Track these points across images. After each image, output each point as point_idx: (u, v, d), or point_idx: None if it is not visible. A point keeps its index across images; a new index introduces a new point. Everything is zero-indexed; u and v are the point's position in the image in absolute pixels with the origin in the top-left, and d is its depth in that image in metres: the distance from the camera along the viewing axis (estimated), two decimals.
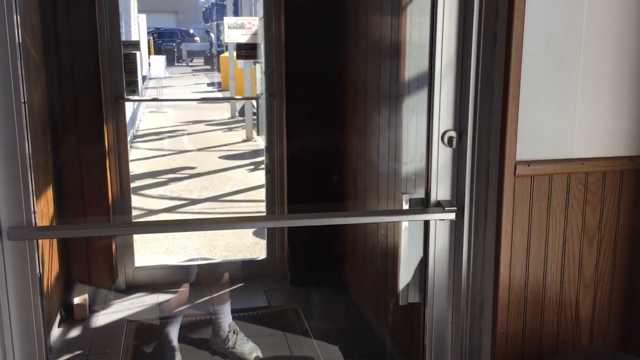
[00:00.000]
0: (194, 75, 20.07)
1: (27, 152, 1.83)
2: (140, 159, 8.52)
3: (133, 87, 4.35)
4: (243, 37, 5.23)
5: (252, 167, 8.22)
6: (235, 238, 5.25)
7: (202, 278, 4.33)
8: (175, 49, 22.37)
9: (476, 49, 1.99)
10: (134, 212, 4.99)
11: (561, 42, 1.96)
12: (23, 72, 1.83)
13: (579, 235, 2.08)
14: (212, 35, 22.03)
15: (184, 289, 4.11)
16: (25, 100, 1.85)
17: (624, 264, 2.14)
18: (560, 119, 2.00)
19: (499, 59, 1.95)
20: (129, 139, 5.90)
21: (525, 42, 1.92)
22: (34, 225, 1.87)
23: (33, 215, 1.87)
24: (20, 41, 1.82)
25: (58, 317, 3.67)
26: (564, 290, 2.11)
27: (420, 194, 2.18)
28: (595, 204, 2.07)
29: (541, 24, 1.93)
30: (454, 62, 2.03)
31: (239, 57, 5.78)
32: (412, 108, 2.88)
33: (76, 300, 3.79)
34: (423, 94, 2.20)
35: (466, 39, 2.01)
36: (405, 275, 2.26)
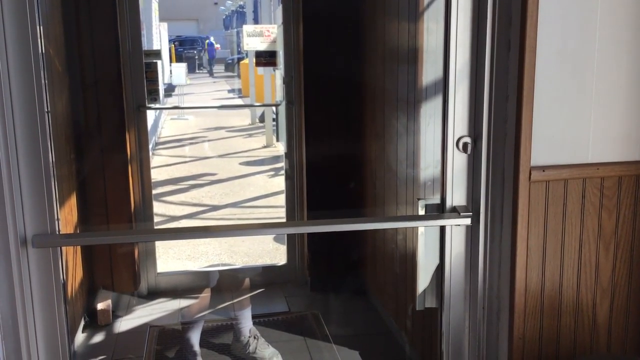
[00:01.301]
0: (214, 82, 20.22)
1: (50, 161, 1.88)
2: (162, 166, 8.62)
3: (154, 96, 4.41)
4: (262, 45, 5.28)
5: (272, 173, 8.26)
6: (255, 244, 5.29)
7: (223, 284, 4.37)
8: (196, 57, 22.54)
9: (490, 56, 2.01)
10: (156, 219, 5.05)
11: (575, 48, 1.97)
12: (46, 82, 1.88)
13: (595, 240, 2.08)
14: (207, 41, 22.06)
15: (206, 294, 4.15)
16: (49, 109, 1.89)
17: None
18: (575, 124, 2.01)
19: (513, 66, 1.97)
20: (150, 146, 5.97)
21: (538, 48, 1.93)
22: (57, 233, 1.92)
23: (57, 223, 1.92)
24: (44, 51, 1.87)
25: (82, 323, 3.73)
26: (580, 294, 2.11)
27: (436, 199, 2.20)
28: (611, 209, 2.07)
29: (554, 30, 1.94)
30: (468, 68, 2.05)
31: (257, 64, 5.84)
32: (430, 114, 2.89)
33: (100, 305, 3.85)
34: (440, 100, 2.21)
35: (480, 46, 2.03)
36: (423, 280, 2.27)
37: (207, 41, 21.83)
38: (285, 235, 4.65)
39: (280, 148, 9.08)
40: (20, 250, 1.86)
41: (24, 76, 1.82)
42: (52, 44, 3.25)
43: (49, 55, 3.14)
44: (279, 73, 5.39)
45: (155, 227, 4.83)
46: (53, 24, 3.30)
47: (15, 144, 1.84)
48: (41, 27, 1.85)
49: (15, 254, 1.84)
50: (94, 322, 3.81)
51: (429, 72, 2.88)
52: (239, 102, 14.79)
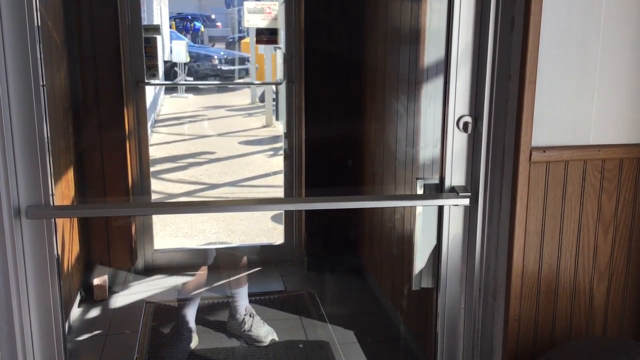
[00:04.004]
0: None
1: (45, 133, 1.87)
2: (160, 144, 8.59)
3: (153, 71, 4.37)
4: (263, 22, 5.22)
5: (271, 152, 8.24)
6: (253, 223, 5.28)
7: (220, 261, 4.37)
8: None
9: (493, 34, 1.98)
10: (154, 196, 5.04)
11: (579, 27, 1.94)
12: (42, 55, 1.85)
13: (594, 223, 2.06)
14: (188, 23, 21.78)
15: (202, 272, 4.15)
16: (44, 83, 1.87)
17: (639, 252, 2.12)
18: (577, 105, 1.99)
19: (516, 44, 1.94)
20: (150, 123, 5.94)
21: (542, 27, 1.90)
22: (51, 205, 1.90)
23: (51, 196, 1.91)
24: (40, 24, 1.84)
25: (78, 298, 3.73)
26: (578, 277, 2.10)
27: (435, 179, 2.18)
28: (611, 192, 2.05)
29: (559, 9, 1.91)
30: (471, 47, 2.02)
31: (258, 42, 5.78)
32: (431, 95, 2.87)
33: (96, 281, 3.85)
34: (441, 81, 2.19)
35: (483, 24, 2.00)
36: (420, 260, 2.27)
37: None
38: (283, 214, 4.64)
39: (279, 128, 9.05)
40: (14, 221, 1.85)
41: (19, 49, 1.80)
42: (51, 16, 3.22)
43: (47, 27, 3.11)
44: (280, 52, 5.35)
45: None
46: None
47: (10, 116, 1.82)
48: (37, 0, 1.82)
49: (8, 225, 1.83)
50: (90, 297, 3.81)
51: (431, 52, 2.85)
52: (239, 81, 14.72)
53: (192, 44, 16.18)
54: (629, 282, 2.14)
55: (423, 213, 2.20)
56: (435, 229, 2.19)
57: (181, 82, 11.96)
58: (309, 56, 4.02)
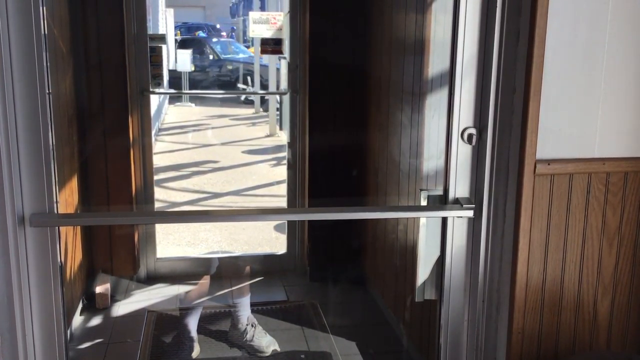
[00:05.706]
0: None
1: (50, 141, 1.87)
2: (164, 152, 8.59)
3: (158, 80, 4.38)
4: (268, 32, 5.24)
5: (274, 162, 8.24)
6: (256, 232, 5.28)
7: (223, 271, 4.37)
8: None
9: (498, 46, 1.98)
10: (157, 204, 5.04)
11: (585, 40, 1.94)
12: (48, 63, 1.86)
13: (598, 236, 2.06)
14: (233, 34, 21.83)
15: (205, 281, 4.14)
16: (50, 91, 1.88)
17: None
18: (582, 118, 1.99)
19: (521, 57, 1.94)
20: (154, 131, 5.95)
21: (547, 40, 1.91)
22: (55, 213, 1.90)
23: (55, 204, 1.91)
24: (47, 33, 1.85)
25: (80, 305, 3.72)
26: (582, 290, 2.09)
27: (439, 190, 2.18)
28: (615, 205, 2.05)
29: (564, 22, 1.92)
30: (476, 59, 2.03)
31: (263, 52, 5.79)
32: (435, 106, 2.87)
33: (98, 289, 3.84)
34: (446, 92, 2.19)
35: (488, 36, 2.00)
36: (423, 272, 2.26)
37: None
38: (286, 224, 4.63)
39: (283, 137, 9.06)
40: (17, 228, 1.85)
41: (26, 57, 1.81)
42: (57, 24, 3.23)
43: (54, 36, 3.12)
44: (284, 62, 5.37)
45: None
46: (58, 4, 3.28)
47: (15, 123, 1.83)
48: (44, 8, 1.83)
49: (12, 233, 1.83)
50: (92, 305, 3.81)
51: (436, 64, 2.86)
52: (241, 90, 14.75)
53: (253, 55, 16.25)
54: (633, 295, 2.13)
55: (427, 224, 2.19)
56: (438, 240, 2.18)
57: (185, 92, 11.99)
58: (314, 66, 4.03)
